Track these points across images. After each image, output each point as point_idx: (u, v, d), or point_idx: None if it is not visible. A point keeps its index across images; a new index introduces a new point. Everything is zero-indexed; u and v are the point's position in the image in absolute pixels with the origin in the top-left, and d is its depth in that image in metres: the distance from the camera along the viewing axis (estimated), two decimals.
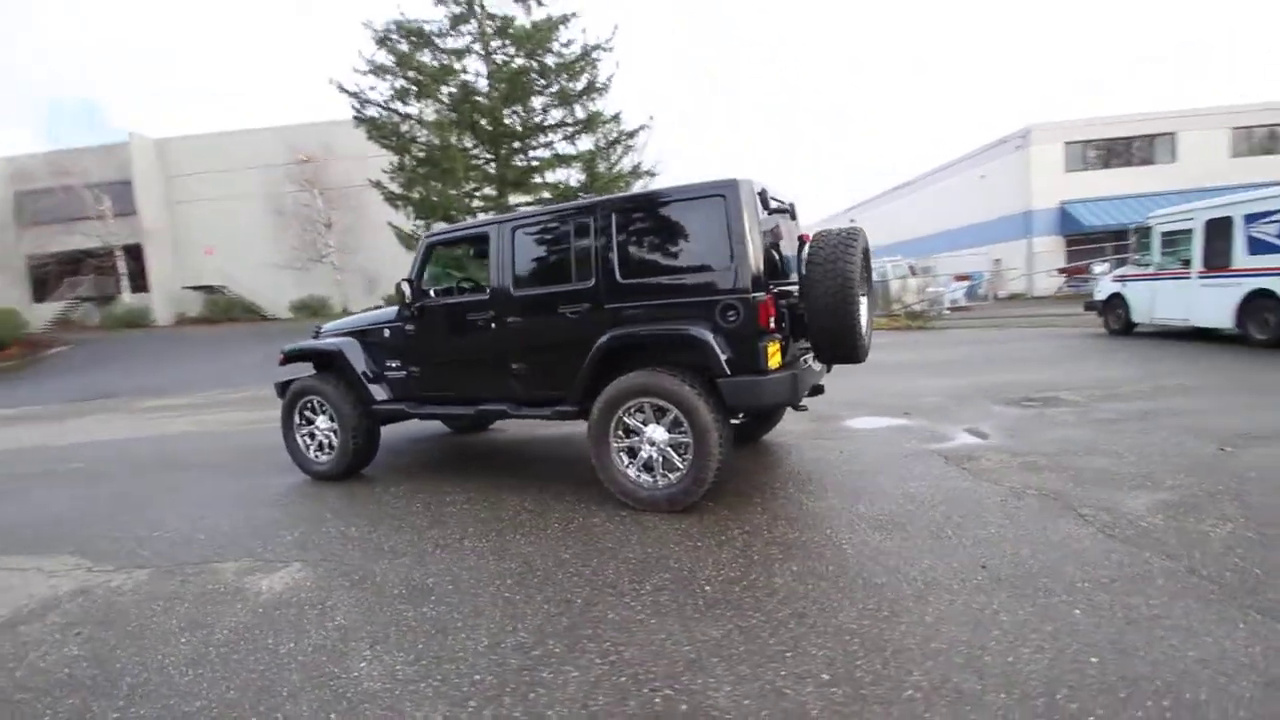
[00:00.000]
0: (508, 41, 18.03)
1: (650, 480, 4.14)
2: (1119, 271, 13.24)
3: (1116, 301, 12.24)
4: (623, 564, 3.32)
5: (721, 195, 3.94)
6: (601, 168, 19.33)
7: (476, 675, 2.43)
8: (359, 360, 5.26)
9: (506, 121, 18.21)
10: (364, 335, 5.37)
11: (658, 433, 4.08)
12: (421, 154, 18.92)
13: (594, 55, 18.68)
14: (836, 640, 2.50)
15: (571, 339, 4.36)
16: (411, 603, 3.07)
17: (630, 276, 4.18)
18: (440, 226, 5.28)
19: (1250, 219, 9.41)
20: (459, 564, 3.48)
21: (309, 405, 5.44)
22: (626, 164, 20.08)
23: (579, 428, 5.33)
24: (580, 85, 19.18)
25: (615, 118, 19.81)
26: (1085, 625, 2.49)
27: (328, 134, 26.05)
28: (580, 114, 19.75)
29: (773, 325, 3.91)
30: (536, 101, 19.10)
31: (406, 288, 4.90)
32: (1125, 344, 10.95)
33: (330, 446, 5.40)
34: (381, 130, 18.58)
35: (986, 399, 7.04)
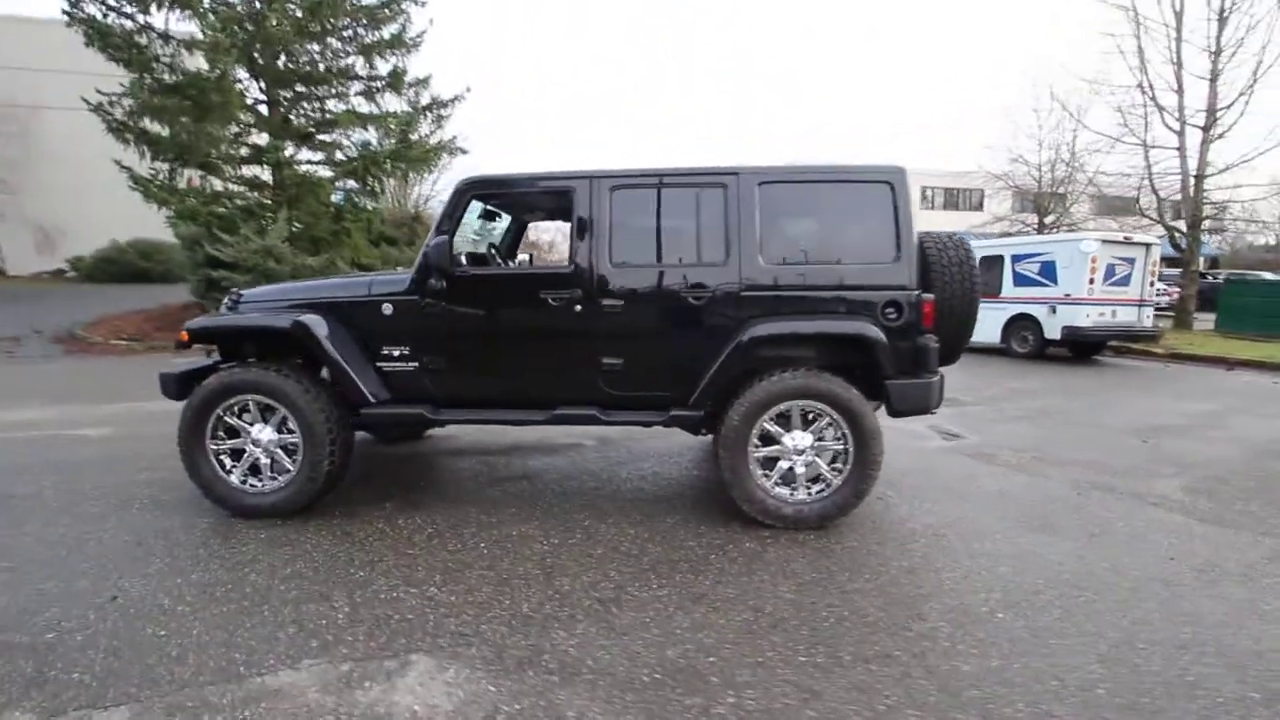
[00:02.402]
0: None
1: (789, 493, 3.62)
2: None
3: None
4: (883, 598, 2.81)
5: (888, 182, 3.61)
6: (415, 136, 17.16)
7: None
8: (338, 345, 3.69)
9: (302, 59, 15.07)
10: (341, 310, 3.79)
11: (803, 440, 3.58)
12: (169, 78, 14.70)
13: (402, 3, 16.37)
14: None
15: (695, 330, 3.62)
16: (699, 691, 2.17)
17: (774, 262, 3.60)
18: (485, 172, 3.81)
19: (1016, 258, 11.97)
20: (709, 630, 2.60)
21: (234, 409, 3.68)
22: (443, 135, 18.03)
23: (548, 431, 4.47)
24: (383, 35, 16.76)
25: (425, 81, 17.75)
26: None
27: None
28: (382, 69, 17.23)
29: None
30: (333, 42, 16.16)
31: (435, 251, 3.56)
32: None
33: (276, 469, 3.73)
34: (108, 38, 13.98)
35: None
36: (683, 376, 3.65)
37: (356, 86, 16.80)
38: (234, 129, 15.03)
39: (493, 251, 4.48)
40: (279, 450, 3.70)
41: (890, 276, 3.58)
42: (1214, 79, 15.81)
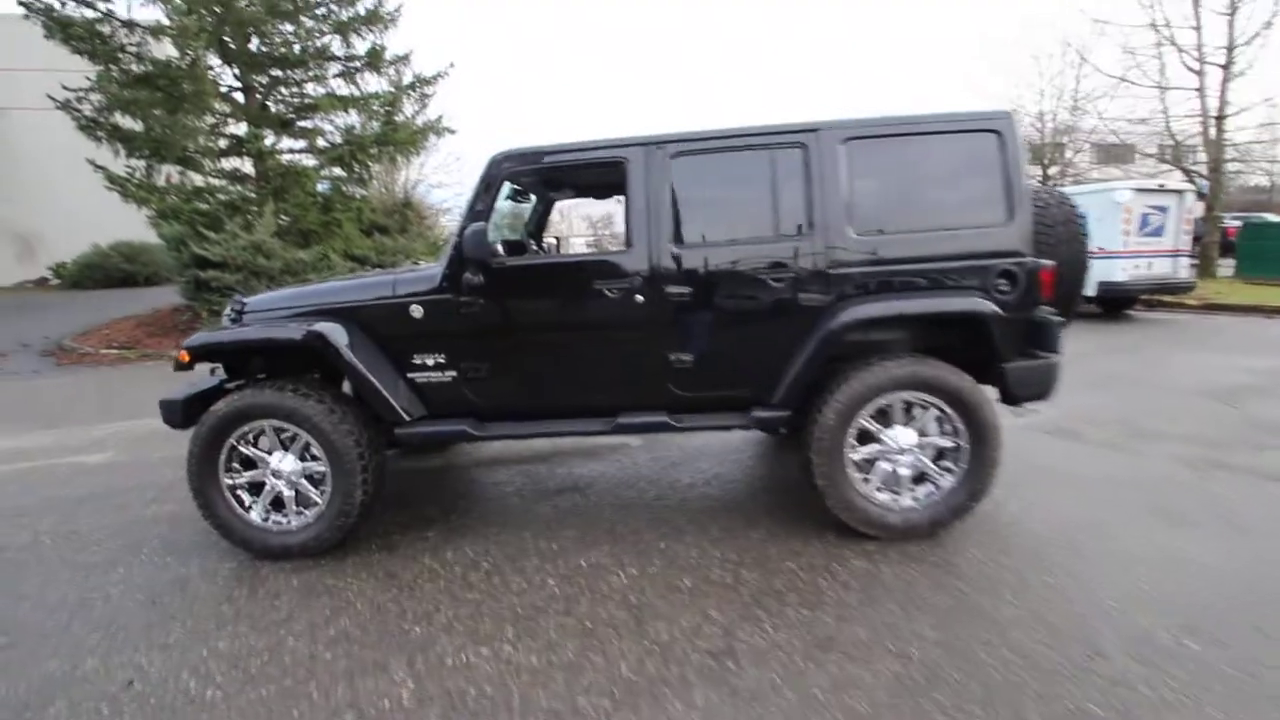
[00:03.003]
0: None
1: (894, 499, 3.16)
2: None
3: None
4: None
5: (995, 131, 3.09)
6: (400, 118, 16.40)
7: None
8: (362, 356, 3.18)
9: (277, 40, 14.26)
10: (362, 316, 3.27)
11: (907, 437, 3.11)
12: (137, 69, 13.90)
13: None
14: None
15: (776, 317, 3.13)
16: None
17: (866, 232, 3.09)
18: (521, 145, 3.22)
19: None
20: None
21: (249, 437, 3.19)
22: (428, 114, 17.25)
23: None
24: (358, 11, 15.88)
25: (405, 58, 16.89)
26: None
27: None
28: (360, 47, 16.36)
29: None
30: (307, 21, 15.30)
31: (472, 240, 3.02)
32: None
33: (301, 502, 3.25)
34: (69, 28, 13.15)
35: None
36: (763, 371, 3.17)
37: (334, 68, 15.95)
38: (210, 119, 14.26)
39: (531, 239, 3.94)
40: (304, 481, 3.22)
41: (1001, 241, 3.08)
42: (1233, 12, 15.13)
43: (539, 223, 4.37)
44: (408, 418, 3.20)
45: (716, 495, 3.85)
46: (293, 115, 15.18)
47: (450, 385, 3.27)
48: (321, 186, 15.42)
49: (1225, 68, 15.40)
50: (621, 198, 3.88)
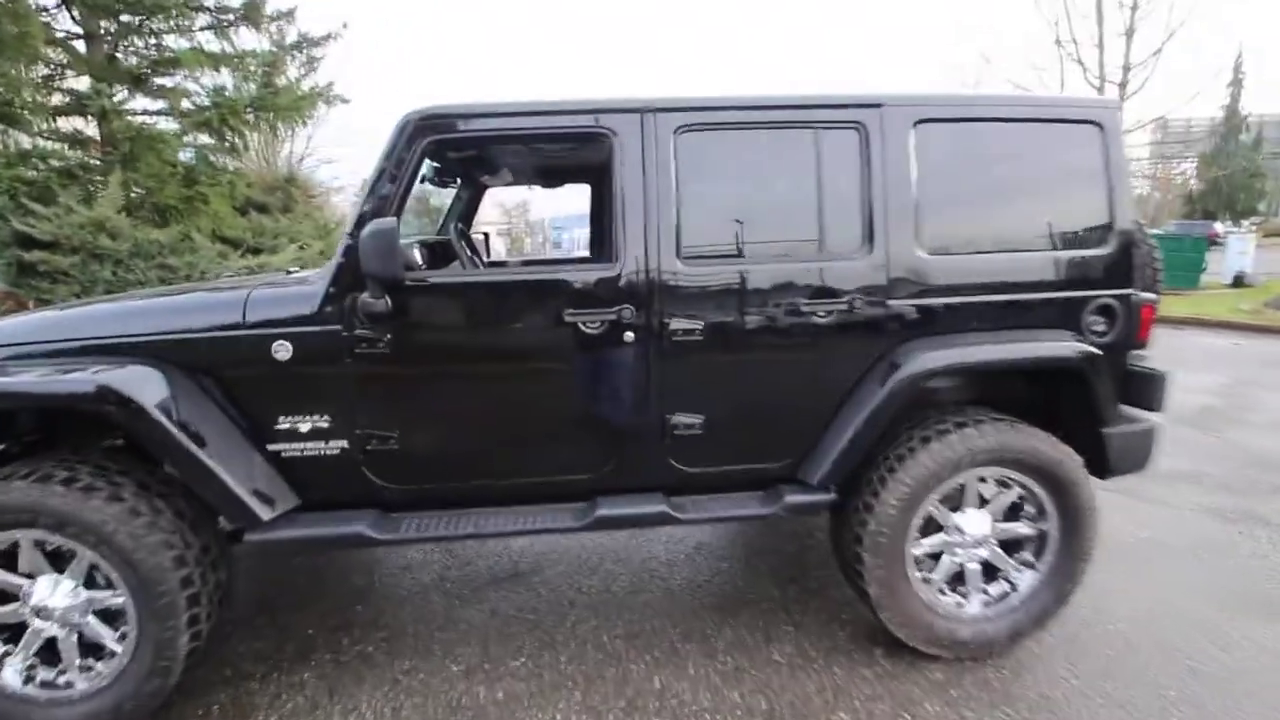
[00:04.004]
0: None
1: (960, 604, 2.38)
2: None
3: None
4: None
5: (1095, 122, 2.35)
6: (282, 80, 14.40)
7: None
8: (190, 417, 2.00)
9: None
10: (193, 353, 2.08)
11: (981, 524, 2.33)
12: None
13: None
14: None
15: (819, 363, 2.25)
16: None
17: (939, 249, 2.26)
18: (450, 103, 2.08)
19: None
20: None
21: None
22: (316, 80, 15.28)
23: None
24: None
25: (289, 14, 14.84)
26: None
27: None
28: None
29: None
30: None
31: (375, 243, 1.92)
32: None
33: (90, 652, 2.05)
34: None
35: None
36: (800, 437, 2.29)
37: (203, 19, 13.67)
38: (42, 70, 11.80)
39: (462, 240, 2.82)
40: (92, 620, 2.02)
41: (1101, 267, 2.35)
42: (1130, 35, 15.93)
43: (465, 217, 3.25)
44: (265, 515, 2.05)
45: (710, 582, 2.94)
46: (148, 70, 12.86)
47: (339, 461, 2.15)
48: (185, 155, 13.24)
49: (1122, 86, 16.20)
50: (585, 186, 2.87)
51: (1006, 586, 2.40)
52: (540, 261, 3.94)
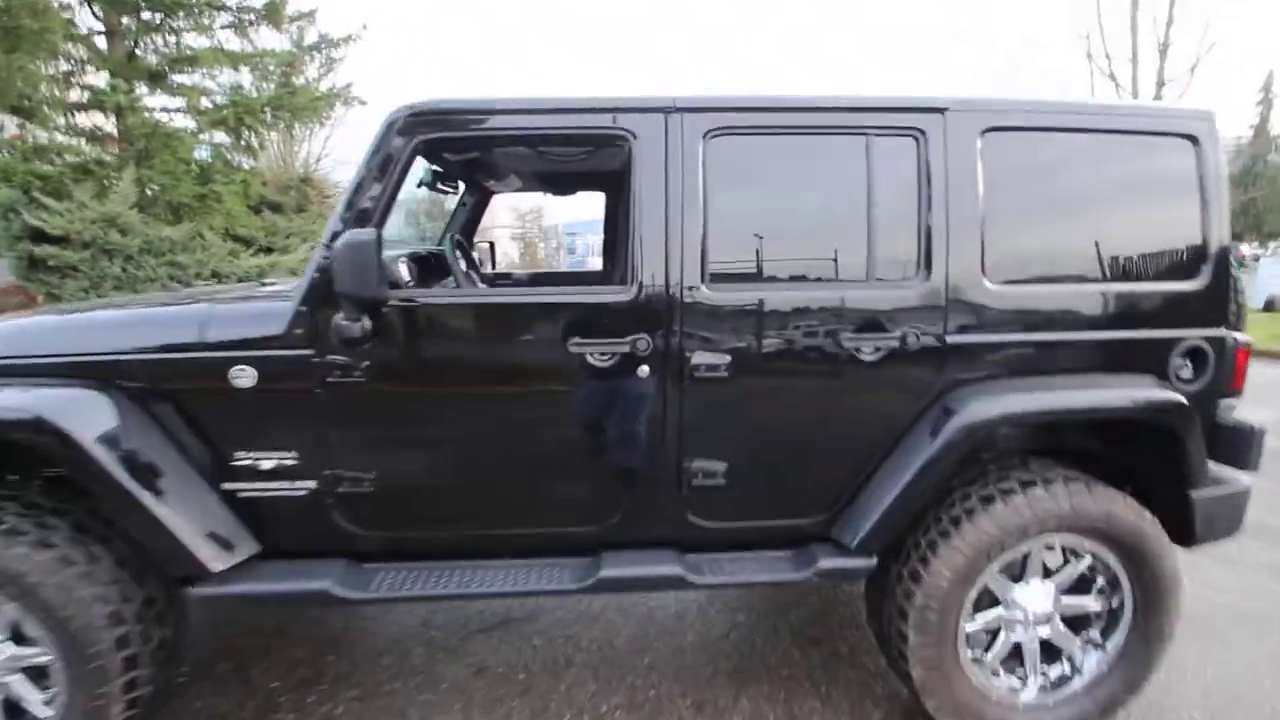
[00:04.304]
0: None
1: (1016, 689, 2.05)
2: None
3: None
4: None
5: (1190, 136, 2.03)
6: (300, 80, 14.36)
7: None
8: (133, 452, 1.73)
9: None
10: (139, 375, 1.81)
11: (1043, 598, 2.01)
12: None
13: None
14: None
15: (863, 404, 1.95)
16: None
17: (1006, 278, 1.95)
18: (442, 98, 1.79)
19: None
20: None
21: None
22: (335, 81, 15.26)
23: None
24: None
25: (310, 15, 14.78)
26: None
27: None
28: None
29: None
30: None
31: (349, 257, 1.65)
32: None
33: (17, 715, 1.78)
34: None
35: None
36: (836, 491, 1.98)
37: (223, 19, 13.65)
38: (62, 66, 11.80)
39: (458, 252, 2.54)
40: (16, 680, 1.75)
41: (1189, 303, 2.03)
42: (1165, 49, 15.50)
43: (469, 225, 2.97)
44: (216, 565, 1.77)
45: (725, 639, 2.63)
46: (166, 67, 12.84)
47: (305, 504, 1.87)
48: (203, 153, 13.19)
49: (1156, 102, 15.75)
50: (598, 194, 2.60)
51: (1069, 669, 2.08)
52: (546, 276, 3.64)
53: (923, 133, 1.91)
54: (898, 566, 1.98)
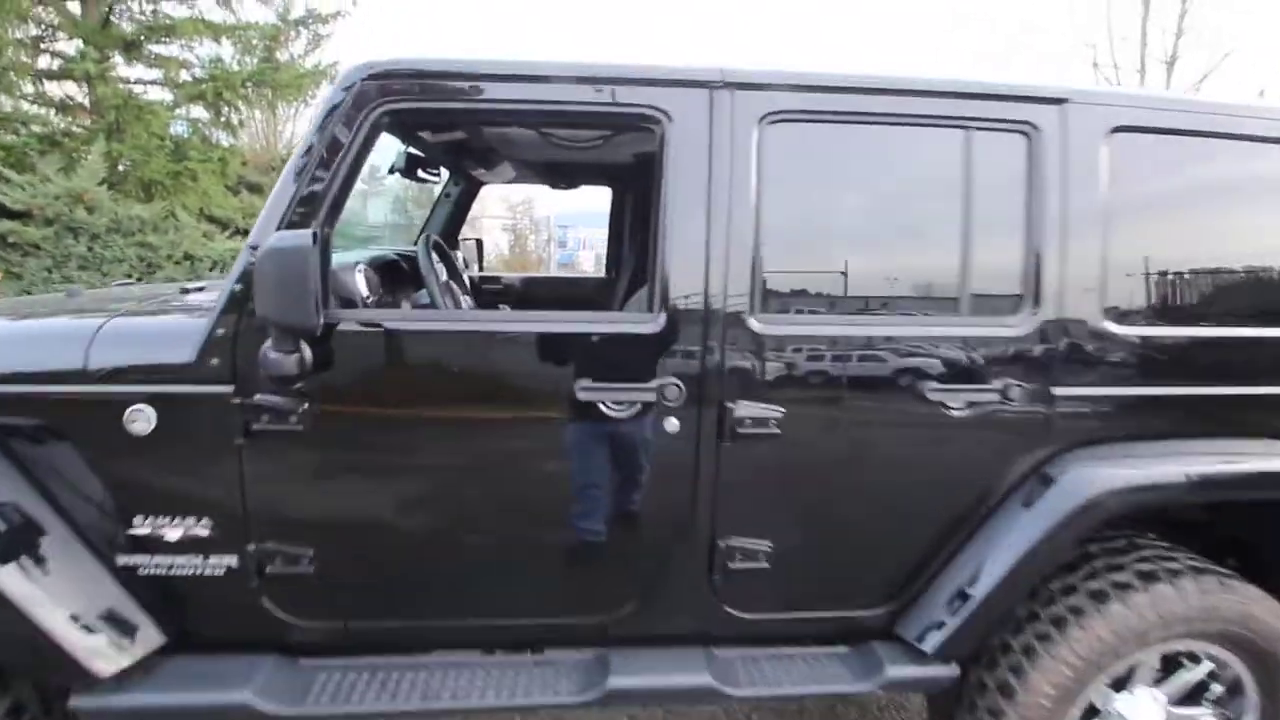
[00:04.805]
0: None
1: None
2: None
3: None
4: None
5: None
6: (283, 55, 13.74)
7: None
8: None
9: None
10: (16, 410, 1.36)
11: (1152, 711, 1.61)
12: None
13: None
14: None
15: (948, 470, 1.54)
16: None
17: (1132, 315, 1.54)
18: (414, 55, 1.33)
19: None
20: None
21: None
22: (321, 58, 14.60)
23: None
24: None
25: None
26: None
27: None
28: None
29: None
30: None
31: (289, 270, 1.19)
32: None
33: None
34: None
35: None
36: (904, 575, 1.57)
37: None
38: (31, 30, 11.18)
39: (435, 255, 2.05)
40: None
41: None
42: (1172, 63, 15.26)
43: (452, 221, 2.49)
44: (104, 669, 1.33)
45: None
46: (143, 36, 12.19)
47: (225, 585, 1.43)
48: (180, 129, 12.59)
49: None
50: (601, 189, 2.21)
51: None
52: (544, 282, 3.17)
53: (1035, 128, 1.49)
54: (980, 673, 1.57)
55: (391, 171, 2.00)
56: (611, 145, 2.02)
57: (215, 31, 13.04)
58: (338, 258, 1.50)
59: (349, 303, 1.45)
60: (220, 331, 1.33)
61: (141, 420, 1.34)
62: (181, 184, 11.97)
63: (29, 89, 11.59)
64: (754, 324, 1.42)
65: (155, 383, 1.35)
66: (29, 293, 9.69)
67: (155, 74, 12.51)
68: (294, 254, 1.17)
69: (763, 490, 1.50)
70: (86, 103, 11.54)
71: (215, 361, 1.34)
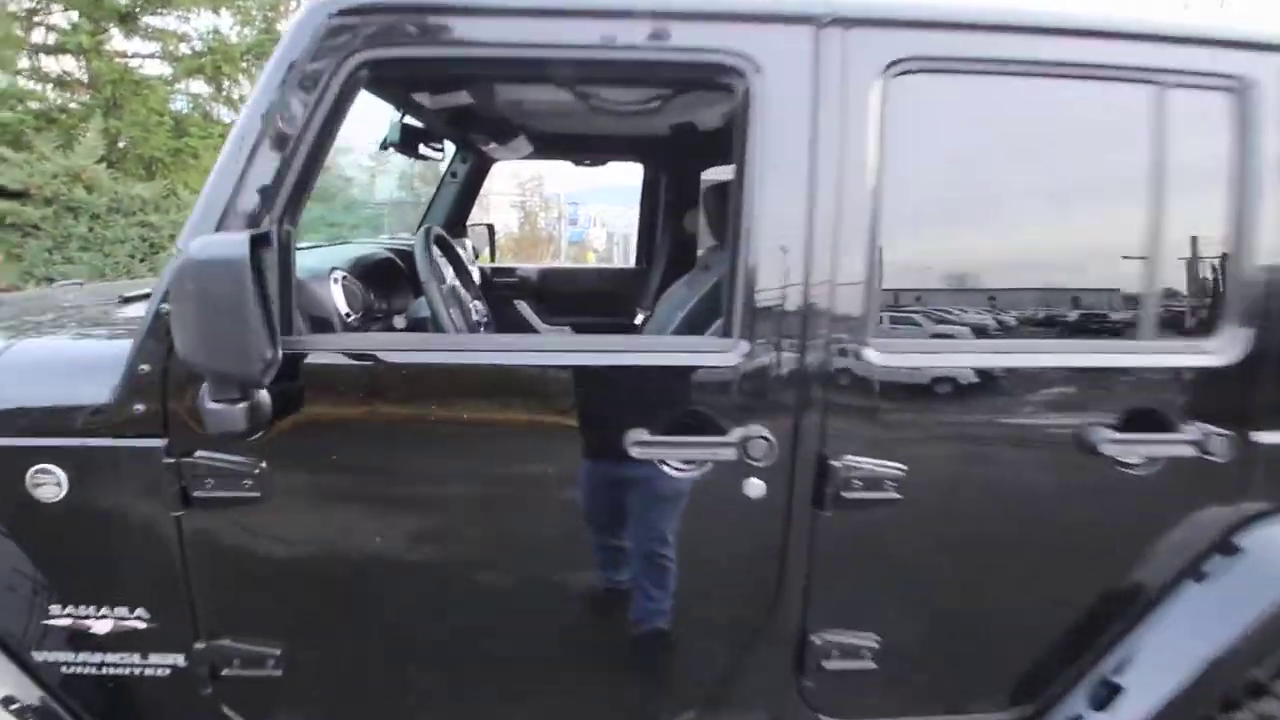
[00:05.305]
0: None
1: None
2: None
3: None
4: None
5: None
6: (283, 26, 13.29)
7: None
8: None
9: None
10: None
11: None
12: None
13: None
14: None
15: (1105, 543, 1.17)
16: None
17: None
18: None
19: None
20: None
21: None
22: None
23: None
24: None
25: None
26: None
27: None
28: None
29: None
30: None
31: (225, 278, 0.83)
32: None
33: None
34: None
35: None
36: (1045, 671, 1.21)
37: None
38: (25, 2, 10.97)
39: (436, 247, 1.65)
40: None
41: None
42: None
43: (459, 206, 2.07)
44: None
45: None
46: (139, 8, 11.84)
47: (170, 688, 1.09)
48: (180, 104, 12.31)
49: None
50: (639, 168, 1.86)
51: None
52: (566, 274, 2.76)
53: (1246, 83, 1.08)
54: None
55: (384, 147, 1.62)
56: (654, 110, 1.62)
57: (213, 2, 12.74)
58: (308, 261, 1.14)
59: (323, 323, 1.09)
60: (144, 368, 0.97)
61: (49, 484, 1.00)
62: (183, 161, 11.80)
63: (24, 64, 11.36)
64: (871, 354, 1.04)
65: (62, 433, 1.00)
66: (31, 275, 9.50)
67: (153, 47, 12.24)
68: (224, 268, 0.79)
69: (871, 570, 1.14)
70: (84, 78, 11.31)
71: (139, 407, 0.98)
